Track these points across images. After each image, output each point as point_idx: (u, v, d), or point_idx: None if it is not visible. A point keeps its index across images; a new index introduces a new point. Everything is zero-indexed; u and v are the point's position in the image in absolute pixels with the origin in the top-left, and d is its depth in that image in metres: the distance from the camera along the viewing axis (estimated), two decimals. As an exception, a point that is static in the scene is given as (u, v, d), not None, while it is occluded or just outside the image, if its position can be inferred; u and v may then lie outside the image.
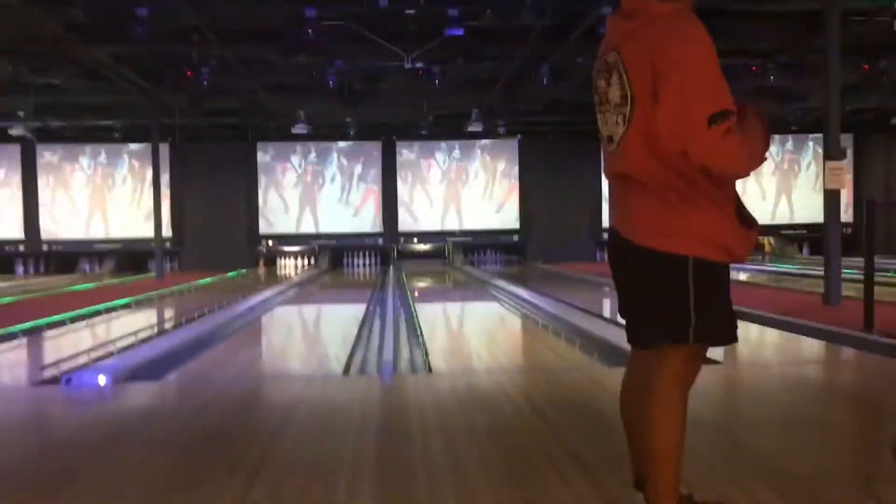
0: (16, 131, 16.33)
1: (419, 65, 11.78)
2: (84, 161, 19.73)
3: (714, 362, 5.21)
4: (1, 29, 11.32)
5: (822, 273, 8.81)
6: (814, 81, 12.52)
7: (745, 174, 2.10)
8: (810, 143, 20.17)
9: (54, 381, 5.28)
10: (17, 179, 19.56)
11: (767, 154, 2.18)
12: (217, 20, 10.89)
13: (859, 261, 7.29)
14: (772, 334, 7.03)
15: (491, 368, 5.88)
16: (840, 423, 3.91)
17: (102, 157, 19.75)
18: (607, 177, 2.32)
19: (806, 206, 19.95)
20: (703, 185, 2.07)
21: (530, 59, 12.27)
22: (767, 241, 20.80)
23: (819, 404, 4.33)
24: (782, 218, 20.31)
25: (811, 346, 6.38)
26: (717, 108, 1.99)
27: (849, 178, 19.13)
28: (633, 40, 2.11)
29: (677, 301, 2.13)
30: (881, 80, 12.30)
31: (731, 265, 2.21)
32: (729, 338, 2.20)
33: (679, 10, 2.09)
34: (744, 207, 2.19)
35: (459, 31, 9.95)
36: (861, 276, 6.99)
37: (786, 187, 20.50)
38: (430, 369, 5.72)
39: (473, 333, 8.48)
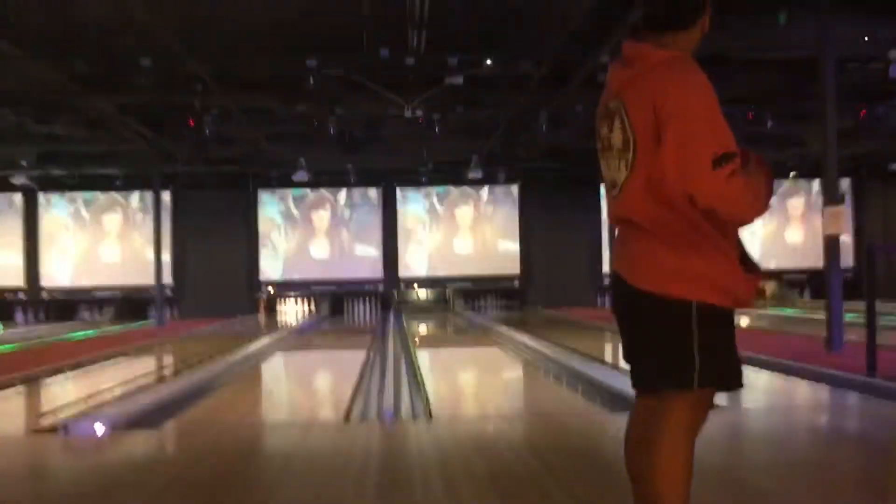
0: (18, 180, 16.44)
1: (419, 112, 11.92)
2: (85, 209, 19.81)
3: (717, 407, 5.16)
4: (5, 79, 11.49)
5: (824, 317, 8.79)
6: (811, 127, 12.65)
7: (751, 219, 2.10)
8: (809, 188, 20.27)
9: (52, 429, 5.23)
10: (18, 227, 19.63)
11: (771, 201, 2.18)
12: (219, 70, 11.05)
13: (861, 305, 7.28)
14: (775, 379, 6.98)
15: (492, 414, 5.84)
16: (845, 467, 3.87)
17: (104, 205, 19.83)
18: (611, 221, 2.32)
19: (807, 251, 19.98)
20: (707, 230, 2.08)
21: (530, 107, 12.41)
22: (769, 286, 20.79)
23: (823, 449, 4.29)
24: (783, 263, 20.32)
25: (814, 391, 6.34)
26: (722, 150, 2.01)
27: (849, 222, 19.19)
28: (634, 86, 2.13)
29: (682, 346, 2.11)
30: (878, 126, 12.42)
31: (736, 310, 2.20)
32: (734, 383, 2.18)
33: (678, 56, 2.12)
34: (747, 253, 2.19)
35: (459, 80, 10.07)
36: (863, 321, 6.97)
37: (786, 232, 20.54)
38: (430, 416, 5.67)
39: (474, 379, 8.43)
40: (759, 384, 6.85)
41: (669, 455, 2.12)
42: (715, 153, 2.00)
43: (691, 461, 2.15)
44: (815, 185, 19.15)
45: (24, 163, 15.54)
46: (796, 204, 20.65)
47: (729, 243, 2.12)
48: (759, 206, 2.08)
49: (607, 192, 2.28)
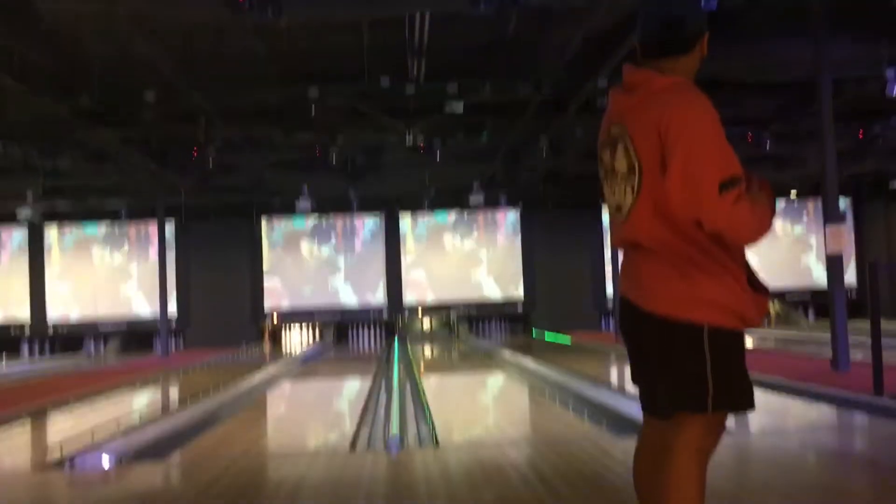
0: (23, 214, 16.52)
1: (420, 139, 12.00)
2: (90, 241, 19.87)
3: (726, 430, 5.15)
4: (10, 113, 11.60)
5: (829, 337, 8.77)
6: (810, 147, 12.70)
7: (756, 241, 2.12)
8: (810, 208, 20.29)
9: (59, 463, 5.22)
10: (23, 262, 19.68)
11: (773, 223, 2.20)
12: (221, 101, 11.15)
13: (865, 323, 7.27)
14: (782, 400, 6.95)
15: (499, 440, 5.82)
16: (854, 489, 3.85)
17: (108, 237, 19.90)
18: (616, 245, 2.33)
19: (810, 271, 19.98)
20: (715, 252, 2.09)
21: (530, 132, 12.49)
22: (773, 307, 20.75)
23: (833, 472, 4.27)
24: (787, 283, 20.28)
25: (822, 412, 6.32)
26: (727, 174, 2.03)
27: (851, 241, 19.18)
28: (638, 112, 2.15)
29: (694, 369, 2.10)
30: (876, 145, 12.47)
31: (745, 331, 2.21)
32: (747, 404, 2.18)
33: (680, 82, 2.15)
34: (754, 273, 2.19)
35: (459, 107, 10.15)
36: (868, 339, 6.96)
37: (790, 252, 20.53)
38: (437, 443, 5.66)
39: (480, 405, 8.41)
40: (766, 406, 6.82)
41: (682, 477, 2.10)
42: (721, 177, 2.02)
43: (703, 484, 2.13)
44: (817, 204, 19.21)
45: (29, 196, 15.62)
46: (796, 223, 20.64)
47: (737, 265, 2.13)
48: (763, 228, 2.10)
49: (612, 216, 2.29)
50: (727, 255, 2.11)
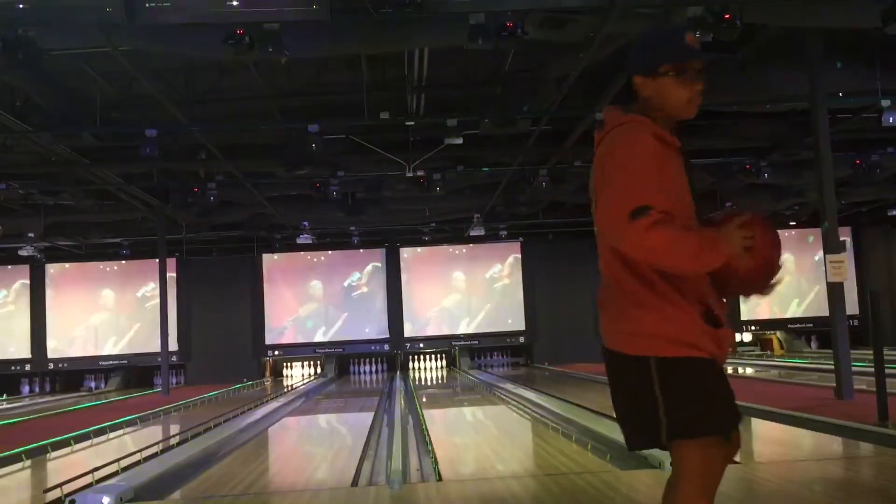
0: (25, 251, 16.55)
1: (420, 173, 12.06)
2: (90, 278, 19.88)
3: (732, 462, 5.11)
4: (12, 152, 11.69)
5: (832, 366, 8.74)
6: (809, 178, 12.76)
7: (692, 271, 2.11)
8: (811, 238, 20.31)
9: (58, 503, 5.18)
10: (25, 299, 19.68)
11: (780, 262, 2.22)
12: (223, 138, 11.24)
13: (867, 352, 7.25)
14: (787, 430, 6.91)
15: (502, 474, 5.77)
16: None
17: (109, 274, 19.92)
18: None
19: (812, 300, 19.98)
20: (660, 285, 2.12)
21: (529, 164, 12.56)
22: (776, 337, 20.70)
23: (839, 501, 4.23)
24: (790, 312, 20.27)
25: (827, 442, 6.27)
26: (639, 202, 2.04)
27: (851, 270, 19.17)
28: (598, 149, 2.26)
29: (645, 403, 2.13)
30: (873, 174, 12.53)
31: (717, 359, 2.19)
32: (711, 430, 2.14)
33: (633, 119, 2.20)
34: (714, 307, 2.17)
35: (459, 140, 10.22)
36: (871, 368, 6.94)
37: (791, 282, 20.52)
38: (439, 477, 5.62)
39: (483, 438, 8.35)
40: (771, 436, 6.78)
41: (683, 502, 2.12)
42: (632, 206, 2.04)
43: None
44: (813, 235, 19.25)
45: (30, 234, 15.67)
46: (798, 253, 20.66)
47: (685, 297, 2.13)
48: (692, 259, 2.06)
49: None
50: (672, 288, 2.12)
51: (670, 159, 2.17)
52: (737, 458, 5.10)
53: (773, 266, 2.20)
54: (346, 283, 20.32)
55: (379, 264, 20.43)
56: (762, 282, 2.21)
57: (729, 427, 2.18)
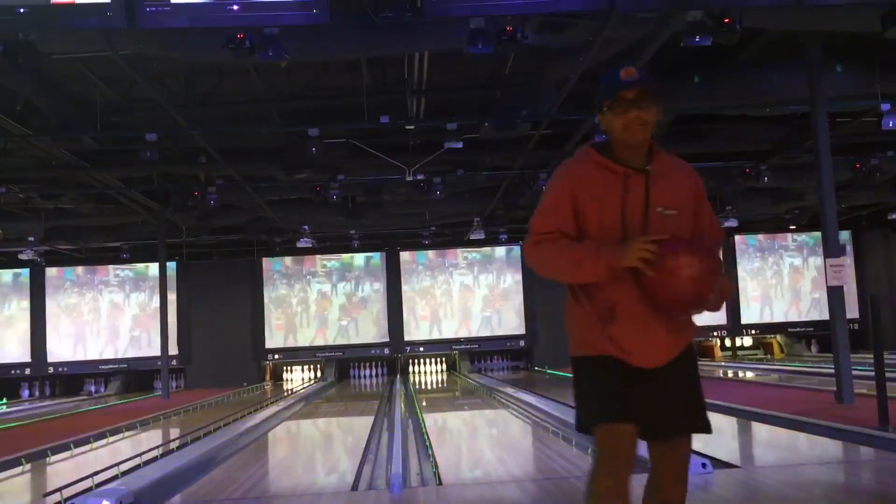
0: (25, 255, 16.55)
1: (420, 176, 12.07)
2: (91, 281, 19.88)
3: (732, 466, 5.13)
4: (13, 156, 11.69)
5: (832, 370, 8.73)
6: (809, 181, 12.76)
7: (575, 278, 2.50)
8: (810, 241, 20.32)
9: (58, 506, 5.18)
10: (25, 303, 19.67)
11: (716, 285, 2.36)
12: (223, 141, 11.24)
13: (867, 356, 7.25)
14: (787, 434, 6.90)
15: (502, 478, 5.77)
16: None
17: (109, 278, 19.91)
18: None
19: (812, 304, 19.98)
20: (578, 294, 2.52)
21: (529, 168, 12.56)
22: (776, 341, 20.69)
23: (839, 505, 4.23)
24: (790, 316, 20.27)
25: (827, 446, 6.26)
26: (532, 225, 2.52)
27: (851, 274, 19.18)
28: None
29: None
30: (873, 178, 12.53)
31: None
32: (589, 425, 2.46)
33: (578, 152, 2.57)
34: (617, 314, 2.42)
35: (459, 144, 10.22)
36: (871, 372, 6.93)
37: (792, 286, 20.51)
38: (440, 481, 5.61)
39: (483, 442, 8.34)
40: (771, 439, 6.78)
41: (591, 481, 2.44)
42: (533, 227, 2.51)
43: (610, 492, 2.37)
44: (813, 239, 19.25)
45: (30, 238, 15.67)
46: (798, 256, 20.66)
47: (595, 304, 2.47)
48: (584, 269, 2.43)
49: None
50: (585, 296, 2.50)
51: (602, 185, 2.43)
52: (736, 463, 5.07)
53: (692, 287, 2.32)
54: (345, 287, 20.31)
55: (379, 267, 20.42)
56: (686, 301, 2.36)
57: (604, 422, 2.42)
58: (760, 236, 20.45)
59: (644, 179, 2.43)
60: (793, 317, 20.24)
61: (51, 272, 19.61)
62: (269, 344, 19.92)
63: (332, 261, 20.33)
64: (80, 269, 19.75)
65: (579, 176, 2.47)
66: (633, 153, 2.45)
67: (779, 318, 20.16)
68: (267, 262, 20.15)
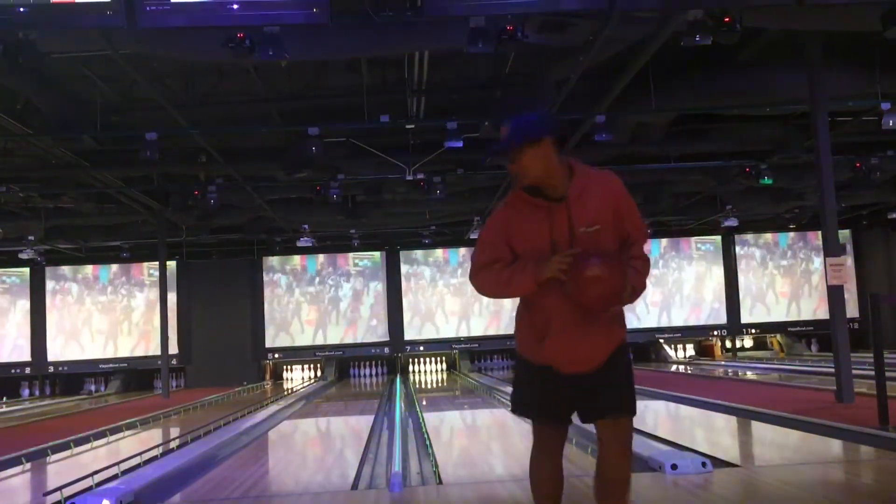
0: (25, 254, 16.56)
1: (420, 176, 12.06)
2: (91, 281, 19.89)
3: (732, 465, 5.12)
4: (13, 156, 11.69)
5: (832, 369, 8.73)
6: (809, 181, 12.76)
7: (511, 293, 2.93)
8: (810, 241, 20.32)
9: (58, 505, 5.18)
10: (24, 302, 19.67)
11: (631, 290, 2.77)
12: (223, 141, 11.25)
13: (867, 355, 7.25)
14: (787, 433, 6.90)
15: (502, 477, 5.77)
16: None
17: (109, 277, 19.92)
18: None
19: (812, 303, 19.99)
20: (521, 310, 3.01)
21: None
22: (776, 340, 20.69)
23: (839, 505, 4.23)
24: (790, 315, 20.27)
25: (827, 445, 6.27)
26: (474, 257, 2.97)
27: (851, 273, 19.18)
28: None
29: None
30: (873, 177, 12.53)
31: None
32: (519, 413, 3.13)
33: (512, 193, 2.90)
34: (548, 331, 2.85)
35: (459, 143, 10.22)
36: (872, 371, 6.93)
37: (791, 285, 20.50)
38: (440, 480, 5.61)
39: (483, 441, 8.34)
40: (771, 439, 6.78)
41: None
42: (473, 261, 2.97)
43: (542, 472, 3.11)
44: (813, 238, 19.25)
45: (31, 237, 15.68)
46: (797, 256, 20.66)
47: (531, 318, 2.92)
48: (515, 285, 2.86)
49: None
50: (525, 309, 2.98)
51: (529, 218, 2.81)
52: (736, 463, 5.06)
53: (602, 287, 2.70)
54: (345, 286, 20.31)
55: (379, 267, 20.42)
56: (602, 299, 2.74)
57: (523, 414, 3.09)
58: (760, 235, 20.47)
59: (565, 206, 2.78)
60: (793, 316, 20.23)
61: (51, 271, 19.62)
62: (268, 343, 19.92)
63: (332, 260, 20.31)
64: (79, 268, 19.73)
65: (509, 214, 2.87)
66: (552, 185, 2.81)
67: (779, 317, 20.16)
68: (267, 261, 20.14)
